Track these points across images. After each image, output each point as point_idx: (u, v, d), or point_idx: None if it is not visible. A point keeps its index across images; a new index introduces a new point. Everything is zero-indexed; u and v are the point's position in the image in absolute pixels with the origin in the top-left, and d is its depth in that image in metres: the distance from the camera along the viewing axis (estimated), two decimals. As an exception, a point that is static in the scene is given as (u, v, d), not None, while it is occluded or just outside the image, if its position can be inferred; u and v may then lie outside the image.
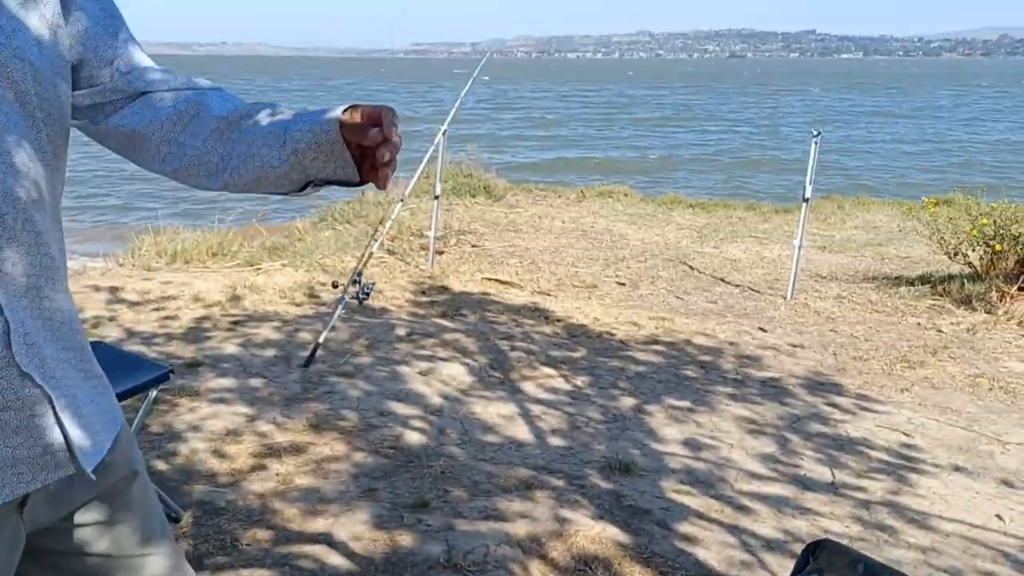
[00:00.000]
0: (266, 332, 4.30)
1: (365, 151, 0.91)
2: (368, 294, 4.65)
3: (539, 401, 3.56)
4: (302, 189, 0.99)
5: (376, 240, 5.38)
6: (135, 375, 2.33)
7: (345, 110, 0.91)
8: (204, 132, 0.99)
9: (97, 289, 4.87)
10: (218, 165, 0.99)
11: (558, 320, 4.83)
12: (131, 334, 4.16)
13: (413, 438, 3.10)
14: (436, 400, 3.50)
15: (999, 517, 2.76)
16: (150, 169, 1.03)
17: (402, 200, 5.52)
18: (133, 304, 4.64)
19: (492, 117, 33.30)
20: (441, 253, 6.38)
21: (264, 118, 0.97)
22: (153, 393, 2.35)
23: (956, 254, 5.62)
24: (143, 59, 1.02)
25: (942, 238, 5.71)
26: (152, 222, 6.36)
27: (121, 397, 2.23)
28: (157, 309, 4.58)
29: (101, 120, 1.01)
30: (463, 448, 3.05)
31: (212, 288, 5.01)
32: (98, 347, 2.69)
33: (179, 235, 5.99)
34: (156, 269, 5.42)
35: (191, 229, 6.23)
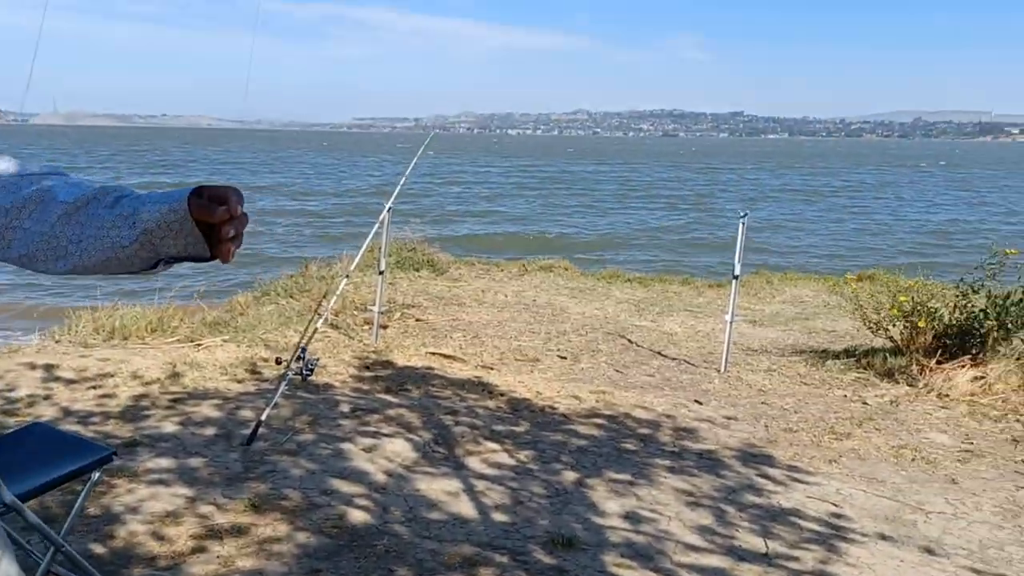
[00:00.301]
0: (206, 410, 4.27)
1: (213, 228, 0.96)
2: (312, 370, 4.67)
3: (483, 476, 3.60)
4: (153, 267, 1.02)
5: (320, 315, 5.42)
6: (77, 457, 2.32)
7: (193, 190, 0.96)
8: (52, 217, 0.99)
9: (32, 367, 4.76)
10: (67, 248, 0.99)
11: (501, 394, 4.91)
12: (67, 413, 4.08)
13: (357, 517, 3.11)
14: (380, 477, 3.51)
15: (922, 584, 2.90)
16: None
17: (347, 275, 5.59)
18: (69, 382, 4.56)
19: (436, 191, 33.77)
20: (385, 327, 6.42)
21: (112, 201, 1.00)
22: (96, 475, 2.34)
23: (878, 329, 5.92)
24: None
25: (864, 313, 6.01)
26: (91, 301, 6.26)
27: (63, 480, 2.23)
28: (94, 387, 4.50)
29: None
30: (407, 526, 3.06)
31: (151, 365, 4.95)
32: (36, 428, 2.67)
33: (117, 311, 5.91)
34: (93, 346, 5.34)
35: (130, 305, 6.15)
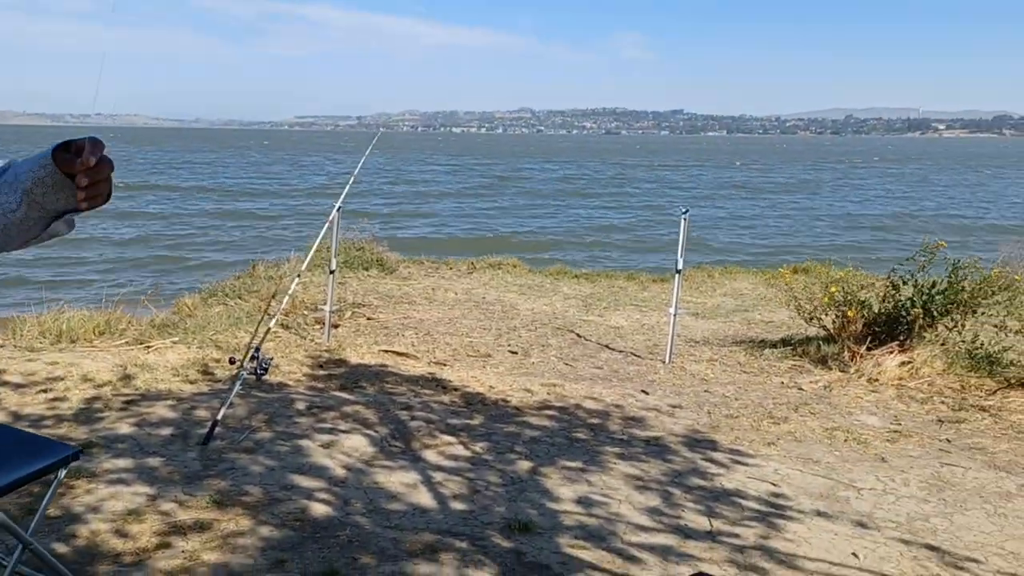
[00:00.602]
0: (161, 411, 4.27)
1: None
2: (266, 369, 4.72)
3: (440, 468, 3.71)
4: (50, 224, 1.10)
5: (272, 316, 5.45)
6: (41, 456, 2.35)
7: (61, 145, 1.04)
8: None
9: (-24, 372, 4.69)
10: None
11: (455, 389, 5.02)
12: (17, 417, 4.05)
13: (319, 509, 3.18)
14: (339, 472, 3.59)
15: (855, 555, 3.10)
16: None
17: (298, 275, 5.62)
18: (17, 386, 4.50)
19: (383, 191, 33.59)
20: (337, 326, 6.46)
21: None
22: (62, 474, 2.37)
23: (812, 318, 6.20)
24: None
25: (799, 304, 6.29)
26: (35, 305, 6.15)
27: (28, 479, 2.27)
28: (44, 391, 4.46)
29: None
30: (368, 517, 3.15)
31: (101, 367, 4.91)
32: (-3, 430, 2.67)
33: (64, 314, 5.82)
34: (40, 349, 5.26)
35: (76, 308, 6.07)
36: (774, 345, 6.36)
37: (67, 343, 5.45)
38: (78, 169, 1.01)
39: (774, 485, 3.73)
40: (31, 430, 3.84)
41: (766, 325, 7.38)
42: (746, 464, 3.97)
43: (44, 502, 2.38)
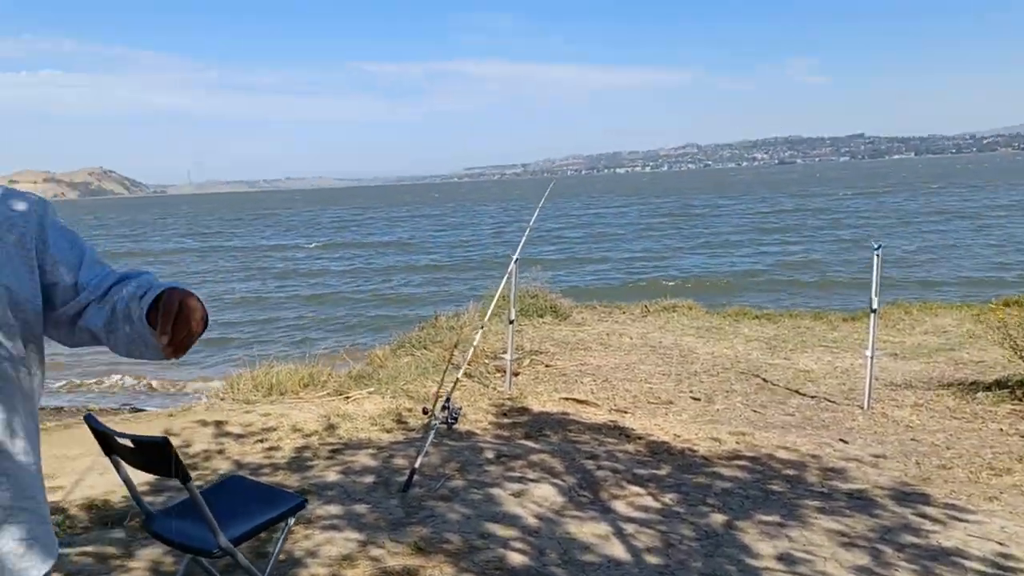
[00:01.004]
0: (363, 459, 4.56)
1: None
2: (456, 418, 4.90)
3: (631, 520, 3.69)
4: None
5: (458, 367, 5.68)
6: (274, 505, 2.59)
7: (157, 297, 1.20)
8: (137, 322, 1.25)
9: (204, 424, 5.22)
10: (146, 339, 1.26)
11: (639, 437, 4.98)
12: (240, 465, 4.46)
13: (516, 559, 3.26)
14: (532, 521, 3.66)
15: (1108, 627, 2.76)
16: (114, 352, 1.34)
17: (482, 327, 5.83)
18: (238, 437, 4.97)
19: (552, 237, 34.17)
20: (517, 374, 6.62)
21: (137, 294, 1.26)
22: (291, 521, 2.60)
23: (1032, 357, 5.62)
24: (100, 271, 1.33)
25: (1015, 342, 5.72)
26: (248, 358, 6.79)
27: (265, 526, 2.50)
28: (260, 440, 4.89)
29: (77, 321, 1.31)
30: (565, 568, 3.19)
31: (308, 418, 5.32)
32: (232, 480, 2.98)
33: (273, 369, 6.38)
34: (255, 402, 5.79)
35: (283, 363, 6.63)
36: (988, 388, 5.80)
37: (277, 395, 5.96)
38: (156, 339, 1.18)
39: (1001, 544, 3.39)
40: (252, 477, 4.23)
41: (976, 365, 6.76)
42: (965, 520, 3.64)
43: (277, 547, 2.61)
